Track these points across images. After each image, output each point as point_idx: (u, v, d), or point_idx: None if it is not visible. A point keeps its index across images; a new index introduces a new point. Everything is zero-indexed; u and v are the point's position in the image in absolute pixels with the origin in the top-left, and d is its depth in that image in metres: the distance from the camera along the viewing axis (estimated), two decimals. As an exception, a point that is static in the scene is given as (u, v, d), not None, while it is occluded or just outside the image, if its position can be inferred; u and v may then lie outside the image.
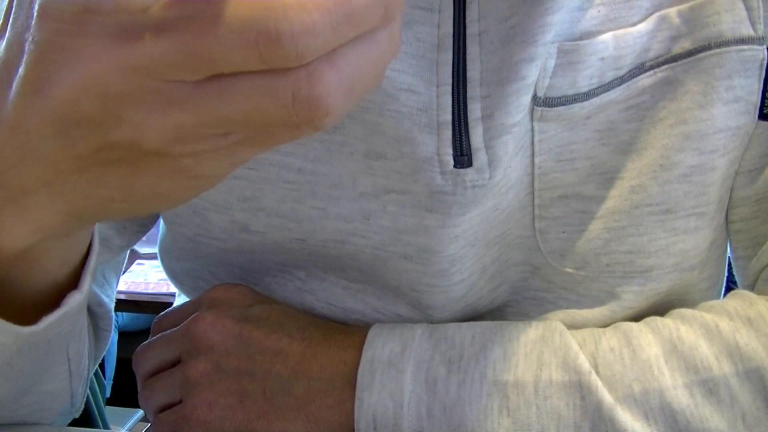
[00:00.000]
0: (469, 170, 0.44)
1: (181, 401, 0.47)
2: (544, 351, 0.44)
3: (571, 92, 0.45)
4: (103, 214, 0.30)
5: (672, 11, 0.45)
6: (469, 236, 0.46)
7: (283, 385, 0.45)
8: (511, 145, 0.44)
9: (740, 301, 0.46)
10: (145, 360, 0.50)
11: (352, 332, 0.48)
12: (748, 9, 0.45)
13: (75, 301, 0.37)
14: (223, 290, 0.50)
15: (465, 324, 0.47)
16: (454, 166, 0.44)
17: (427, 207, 0.45)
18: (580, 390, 0.42)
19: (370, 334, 0.46)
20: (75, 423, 0.51)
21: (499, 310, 0.51)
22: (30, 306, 0.36)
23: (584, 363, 0.43)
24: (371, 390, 0.43)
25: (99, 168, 0.26)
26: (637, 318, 0.49)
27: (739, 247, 0.51)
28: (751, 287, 0.51)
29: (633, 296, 0.49)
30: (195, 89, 0.23)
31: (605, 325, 0.48)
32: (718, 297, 0.54)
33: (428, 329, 0.46)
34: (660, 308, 0.50)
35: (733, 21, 0.44)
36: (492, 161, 0.44)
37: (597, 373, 0.43)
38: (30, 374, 0.41)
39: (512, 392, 0.43)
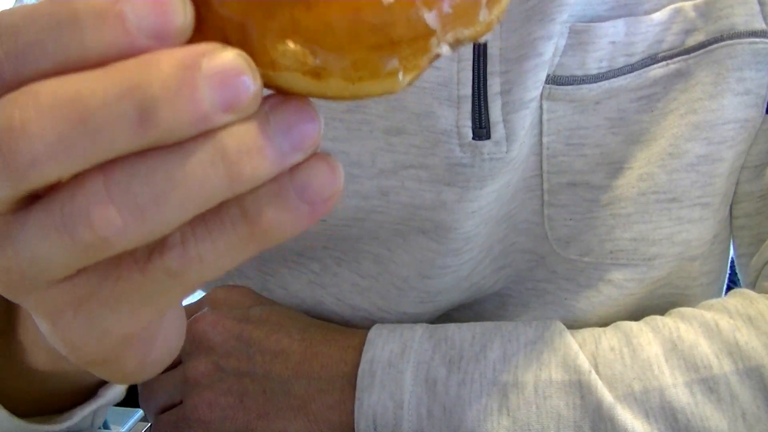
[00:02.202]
0: (487, 142, 0.45)
1: (181, 402, 0.47)
2: (543, 351, 0.44)
3: (579, 73, 0.46)
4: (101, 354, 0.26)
5: (687, 5, 0.46)
6: (485, 213, 0.47)
7: (284, 385, 0.45)
8: (528, 119, 0.45)
9: (740, 299, 0.46)
10: None
11: (352, 333, 0.48)
12: (761, 4, 0.46)
13: (114, 393, 0.36)
14: (224, 291, 0.50)
15: (465, 324, 0.47)
16: (473, 138, 0.44)
17: (445, 180, 0.45)
18: (580, 389, 0.42)
19: (371, 334, 0.46)
20: (75, 423, 0.51)
21: (501, 300, 0.52)
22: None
23: (584, 362, 0.43)
24: (371, 390, 0.44)
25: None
26: (635, 305, 0.49)
27: (743, 243, 0.52)
28: (753, 284, 0.51)
29: (634, 284, 0.49)
30: None
31: (603, 318, 0.49)
32: (719, 294, 0.54)
33: (428, 330, 0.46)
34: (659, 297, 0.50)
35: (745, 14, 0.45)
36: (509, 135, 0.45)
37: (597, 372, 0.43)
38: None
39: (512, 392, 0.43)
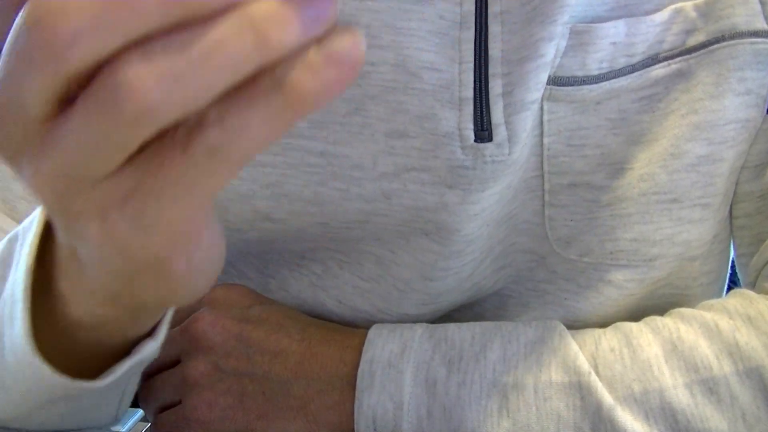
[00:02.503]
0: (489, 145, 0.44)
1: (180, 402, 0.47)
2: (543, 352, 0.44)
3: (580, 74, 0.45)
4: (138, 294, 0.28)
5: (688, 5, 0.46)
6: (487, 215, 0.47)
7: (283, 386, 0.45)
8: (530, 121, 0.45)
9: (740, 299, 0.46)
10: None
11: (351, 333, 0.48)
12: (762, 3, 0.45)
13: (149, 350, 0.36)
14: (223, 290, 0.50)
15: (465, 324, 0.47)
16: (475, 141, 0.44)
17: (447, 183, 0.45)
18: (580, 391, 0.42)
19: (370, 334, 0.46)
20: (74, 423, 0.51)
21: (501, 300, 0.52)
22: (88, 344, 0.35)
23: (584, 364, 0.43)
24: (371, 391, 0.43)
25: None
26: (635, 305, 0.49)
27: (743, 243, 0.52)
28: (753, 284, 0.51)
29: (635, 285, 0.49)
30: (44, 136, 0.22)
31: (603, 318, 0.49)
32: (719, 294, 0.54)
33: (428, 329, 0.46)
34: (660, 297, 0.50)
35: (746, 14, 0.45)
36: (511, 137, 0.44)
37: (597, 373, 0.43)
38: (77, 413, 0.40)
39: (512, 393, 0.43)
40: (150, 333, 0.36)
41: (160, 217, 0.23)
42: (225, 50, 0.20)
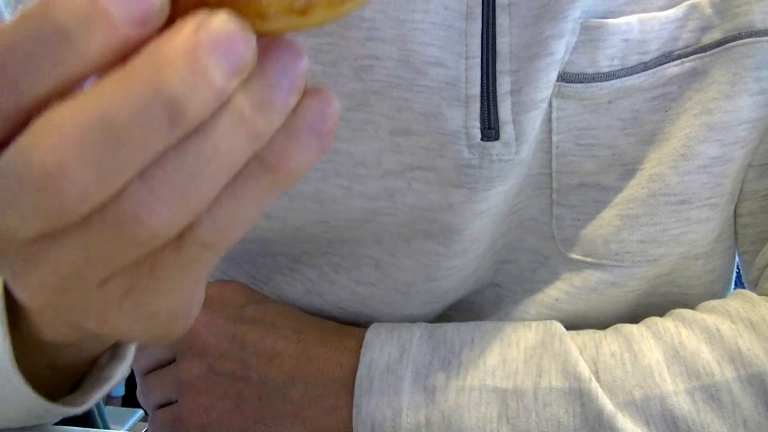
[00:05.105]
0: (495, 143, 0.43)
1: (177, 401, 0.47)
2: (543, 357, 0.43)
3: (590, 71, 0.44)
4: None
5: (703, 1, 0.44)
6: (492, 214, 0.46)
7: (279, 390, 0.45)
8: (538, 121, 0.44)
9: (742, 302, 0.45)
10: (141, 357, 0.50)
11: (348, 333, 0.47)
12: None
13: (121, 373, 0.36)
14: (217, 288, 0.49)
15: (464, 325, 0.46)
16: (481, 139, 0.43)
17: (453, 182, 0.44)
18: (581, 397, 0.42)
19: (368, 336, 0.45)
20: (75, 423, 0.51)
21: (498, 297, 0.51)
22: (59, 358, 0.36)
23: (584, 370, 0.42)
24: (369, 397, 0.43)
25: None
26: (636, 302, 0.49)
27: (746, 241, 0.51)
28: (755, 283, 0.50)
29: (636, 282, 0.48)
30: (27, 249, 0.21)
31: (604, 314, 0.48)
32: (722, 292, 0.53)
33: (426, 330, 0.46)
34: (661, 295, 0.50)
35: (763, 12, 0.44)
36: (519, 136, 0.43)
37: (597, 378, 0.42)
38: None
39: (511, 399, 0.42)
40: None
41: (158, 308, 0.23)
42: (223, 154, 0.20)
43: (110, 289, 0.22)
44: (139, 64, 0.19)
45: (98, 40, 0.19)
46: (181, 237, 0.21)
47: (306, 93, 0.22)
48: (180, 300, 0.24)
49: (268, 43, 0.21)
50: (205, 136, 0.20)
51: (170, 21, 0.20)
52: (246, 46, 0.20)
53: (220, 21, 0.19)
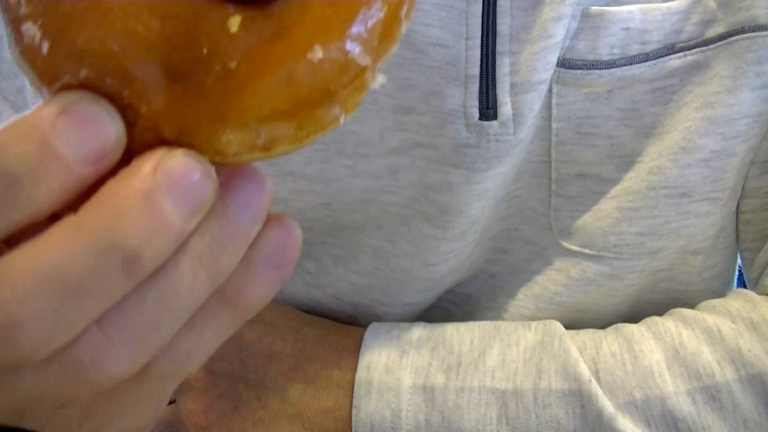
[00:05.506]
0: (493, 123, 0.43)
1: (174, 400, 0.47)
2: (543, 357, 0.43)
3: (590, 58, 0.44)
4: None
5: None
6: (490, 196, 0.46)
7: (278, 391, 0.45)
8: (537, 103, 0.44)
9: (743, 302, 0.45)
10: None
11: (347, 332, 0.47)
12: None
13: None
14: None
15: (463, 325, 0.46)
16: (479, 119, 0.43)
17: (452, 162, 0.44)
18: (580, 398, 0.42)
19: (367, 336, 0.45)
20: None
21: (493, 289, 0.51)
22: None
23: (584, 370, 0.42)
24: (369, 398, 0.43)
25: None
26: (636, 297, 0.48)
27: (747, 238, 0.50)
28: (756, 280, 0.50)
29: (635, 276, 0.48)
30: None
31: (603, 308, 0.48)
32: (723, 289, 0.53)
33: (426, 331, 0.45)
34: (662, 291, 0.49)
35: (766, 6, 0.43)
36: (517, 116, 0.43)
37: (598, 379, 0.42)
38: None
39: (511, 401, 0.42)
40: None
41: (121, 427, 0.23)
42: (182, 296, 0.19)
43: (69, 414, 0.22)
44: (93, 211, 0.18)
45: (50, 183, 0.18)
46: (140, 371, 0.21)
47: (267, 221, 0.21)
48: (142, 419, 0.23)
49: (230, 172, 0.20)
50: (164, 279, 0.19)
51: (126, 151, 0.19)
52: (206, 185, 0.19)
53: (179, 161, 0.18)
